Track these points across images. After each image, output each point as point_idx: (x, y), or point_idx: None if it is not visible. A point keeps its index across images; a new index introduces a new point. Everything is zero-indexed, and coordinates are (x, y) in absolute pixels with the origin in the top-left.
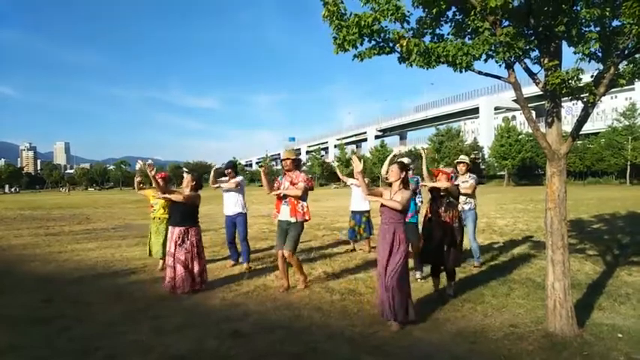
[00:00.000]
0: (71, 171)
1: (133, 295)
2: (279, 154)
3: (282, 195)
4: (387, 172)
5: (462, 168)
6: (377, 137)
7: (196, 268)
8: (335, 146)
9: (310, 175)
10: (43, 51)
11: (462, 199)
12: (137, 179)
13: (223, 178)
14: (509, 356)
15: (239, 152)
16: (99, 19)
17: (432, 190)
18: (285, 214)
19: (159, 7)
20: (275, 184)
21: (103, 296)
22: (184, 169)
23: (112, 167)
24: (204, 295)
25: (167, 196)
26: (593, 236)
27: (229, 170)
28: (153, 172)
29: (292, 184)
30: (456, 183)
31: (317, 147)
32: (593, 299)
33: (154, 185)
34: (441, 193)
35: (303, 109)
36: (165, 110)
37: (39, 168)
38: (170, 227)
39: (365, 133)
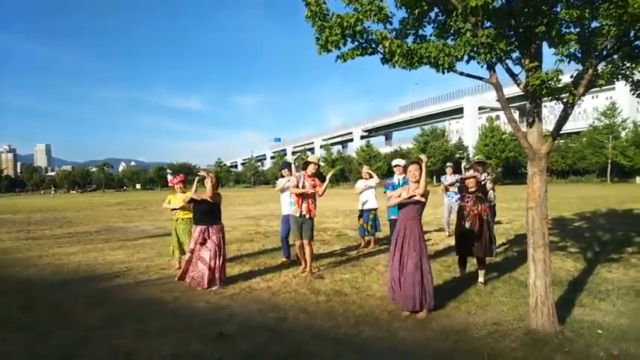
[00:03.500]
0: (52, 173)
1: (116, 298)
2: (264, 155)
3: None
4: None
5: (399, 170)
6: (362, 137)
7: (217, 265)
8: (321, 147)
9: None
10: (21, 50)
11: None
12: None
13: (282, 180)
14: (492, 354)
15: (224, 153)
16: (78, 17)
17: (461, 188)
18: (303, 210)
19: (142, 6)
20: (294, 180)
21: (85, 300)
22: (168, 170)
23: (94, 169)
24: (189, 298)
25: (197, 197)
26: (575, 234)
27: (286, 170)
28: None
29: (314, 186)
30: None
31: (303, 147)
32: (574, 296)
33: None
34: (470, 190)
35: (289, 109)
36: (148, 111)
37: (19, 171)
38: (193, 226)
39: (351, 133)
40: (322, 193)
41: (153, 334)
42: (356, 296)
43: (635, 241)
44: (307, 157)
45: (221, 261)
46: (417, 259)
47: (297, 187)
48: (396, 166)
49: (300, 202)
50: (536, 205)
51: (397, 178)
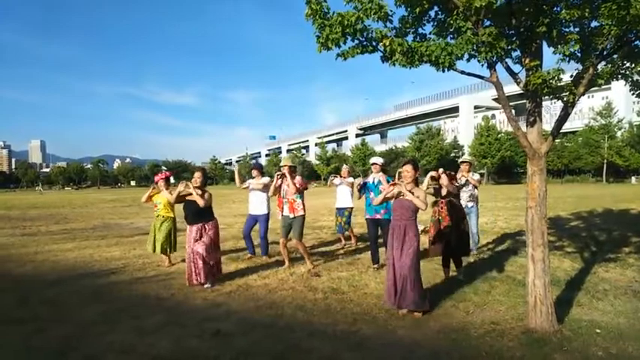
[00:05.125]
0: (47, 170)
1: (112, 295)
2: (259, 153)
3: (282, 195)
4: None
5: (375, 168)
6: (358, 136)
7: (213, 260)
8: (316, 144)
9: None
10: (15, 44)
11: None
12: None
13: (251, 180)
14: (490, 352)
15: (219, 150)
16: (72, 11)
17: (436, 193)
18: (285, 211)
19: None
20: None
21: (81, 297)
22: (164, 168)
23: (89, 166)
24: (186, 295)
25: (192, 197)
26: (571, 233)
27: (256, 171)
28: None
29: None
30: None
31: (298, 145)
32: (571, 296)
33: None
34: (443, 194)
35: (284, 106)
36: (142, 107)
37: (13, 167)
38: (188, 226)
39: (346, 131)
40: (298, 188)
41: (149, 331)
42: (353, 294)
43: (632, 241)
44: (302, 155)
45: (217, 255)
46: (413, 259)
47: (275, 189)
48: (373, 164)
49: (281, 204)
50: (536, 204)
51: (373, 177)
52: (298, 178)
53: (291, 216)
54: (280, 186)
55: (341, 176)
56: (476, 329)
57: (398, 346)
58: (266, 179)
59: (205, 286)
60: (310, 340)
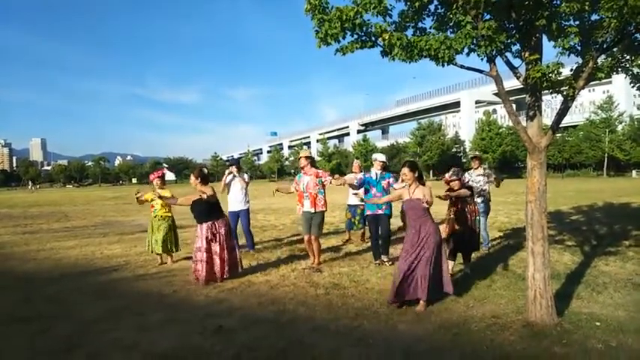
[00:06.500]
0: (48, 168)
1: (115, 292)
2: (260, 149)
3: (302, 189)
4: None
5: (378, 165)
6: (359, 132)
7: (231, 257)
8: (317, 141)
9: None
10: (16, 44)
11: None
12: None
13: (229, 176)
14: (491, 346)
15: (220, 147)
16: (73, 12)
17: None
18: (307, 206)
19: (135, 0)
20: (294, 184)
21: (84, 294)
22: (165, 165)
23: (90, 164)
24: (188, 292)
25: (183, 202)
26: (572, 227)
27: (233, 167)
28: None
29: (317, 176)
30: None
31: (299, 142)
32: (571, 289)
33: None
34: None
35: (285, 103)
36: (143, 105)
37: (14, 165)
38: (198, 225)
39: (347, 127)
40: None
41: (152, 327)
42: (354, 289)
43: (632, 235)
44: (304, 149)
45: (229, 252)
46: (430, 253)
47: (295, 186)
48: (377, 160)
49: (301, 199)
50: (536, 198)
51: (375, 172)
52: (324, 172)
53: (313, 211)
54: (297, 182)
55: (352, 172)
56: (476, 323)
57: (399, 341)
58: (245, 176)
59: (218, 280)
60: (312, 336)
